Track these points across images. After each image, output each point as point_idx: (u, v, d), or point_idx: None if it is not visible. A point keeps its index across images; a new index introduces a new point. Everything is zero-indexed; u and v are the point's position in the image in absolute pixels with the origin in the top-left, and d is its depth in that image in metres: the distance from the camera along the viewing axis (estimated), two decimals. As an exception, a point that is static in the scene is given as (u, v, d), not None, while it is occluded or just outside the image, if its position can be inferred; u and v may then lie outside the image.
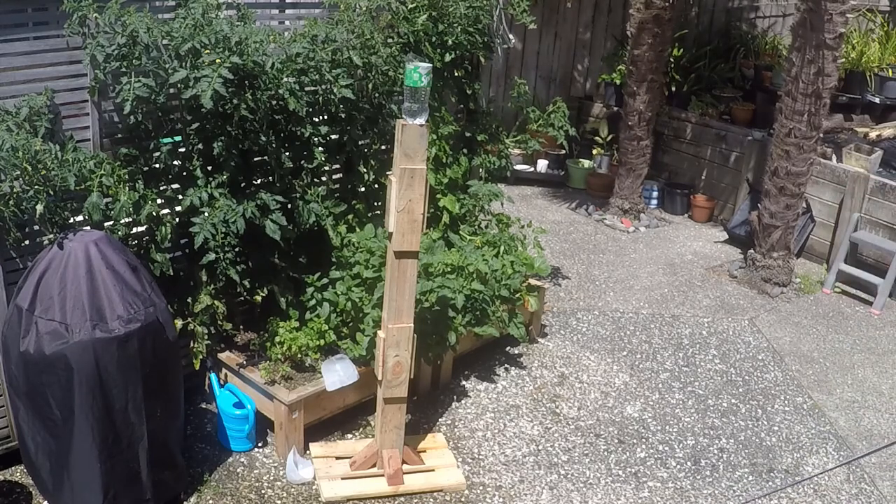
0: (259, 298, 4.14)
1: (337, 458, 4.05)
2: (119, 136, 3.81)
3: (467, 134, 5.22)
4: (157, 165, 3.86)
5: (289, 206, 4.00)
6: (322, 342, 4.16)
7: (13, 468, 3.78)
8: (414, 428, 4.35)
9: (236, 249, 3.82)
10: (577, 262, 6.69)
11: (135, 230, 3.81)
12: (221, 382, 4.23)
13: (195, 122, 3.78)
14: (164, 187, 3.89)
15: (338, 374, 4.08)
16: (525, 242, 5.29)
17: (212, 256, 3.76)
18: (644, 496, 4.07)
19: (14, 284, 3.43)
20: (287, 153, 3.98)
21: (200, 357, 3.96)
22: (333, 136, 4.26)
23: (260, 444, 4.15)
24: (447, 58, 4.74)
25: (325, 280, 4.27)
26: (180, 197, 3.84)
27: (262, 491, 3.86)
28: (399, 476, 3.92)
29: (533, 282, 5.24)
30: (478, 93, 5.25)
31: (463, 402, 4.69)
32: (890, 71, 8.12)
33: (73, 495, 3.36)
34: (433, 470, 4.06)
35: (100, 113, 3.71)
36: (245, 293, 4.13)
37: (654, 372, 5.17)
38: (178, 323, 3.86)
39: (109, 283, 3.24)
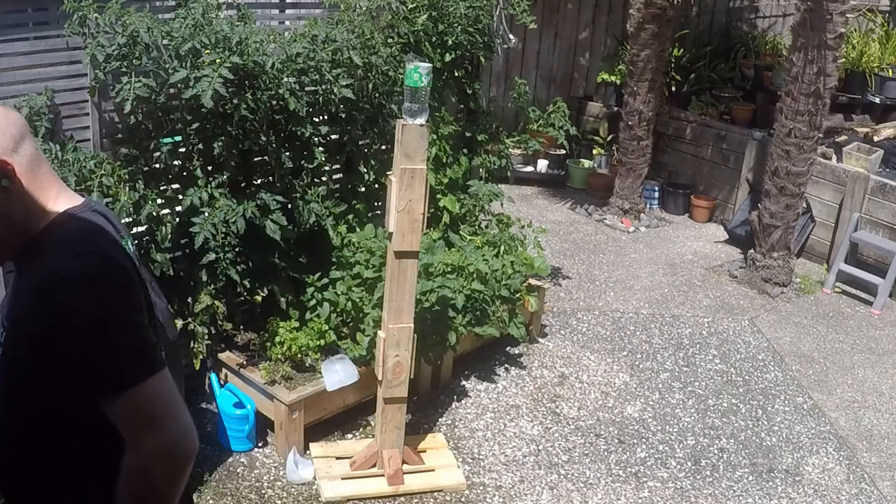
0: (259, 298, 4.14)
1: (337, 458, 4.05)
2: (119, 136, 3.80)
3: (467, 134, 5.21)
4: (157, 165, 3.86)
5: (289, 206, 4.00)
6: (322, 342, 4.16)
7: (13, 468, 3.78)
8: (414, 428, 4.35)
9: (236, 249, 3.82)
10: (577, 262, 6.69)
11: (135, 230, 3.80)
12: (221, 382, 4.23)
13: (195, 122, 3.77)
14: (164, 187, 3.89)
15: (338, 374, 4.08)
16: (525, 242, 5.28)
17: (212, 256, 3.76)
18: (644, 496, 4.07)
19: (14, 284, 3.43)
20: (287, 153, 3.98)
21: (200, 357, 3.96)
22: (333, 136, 4.26)
23: (260, 444, 4.15)
24: (447, 58, 4.73)
25: (325, 280, 4.27)
26: (180, 197, 3.84)
27: (263, 491, 3.86)
28: (399, 476, 3.92)
29: (533, 282, 5.24)
30: (478, 93, 5.25)
31: (463, 402, 4.69)
32: (890, 71, 8.11)
33: (74, 495, 3.35)
34: (433, 470, 4.06)
35: (100, 113, 3.70)
36: (245, 293, 4.13)
37: (654, 372, 5.17)
38: (178, 323, 3.85)
39: (109, 283, 3.23)
